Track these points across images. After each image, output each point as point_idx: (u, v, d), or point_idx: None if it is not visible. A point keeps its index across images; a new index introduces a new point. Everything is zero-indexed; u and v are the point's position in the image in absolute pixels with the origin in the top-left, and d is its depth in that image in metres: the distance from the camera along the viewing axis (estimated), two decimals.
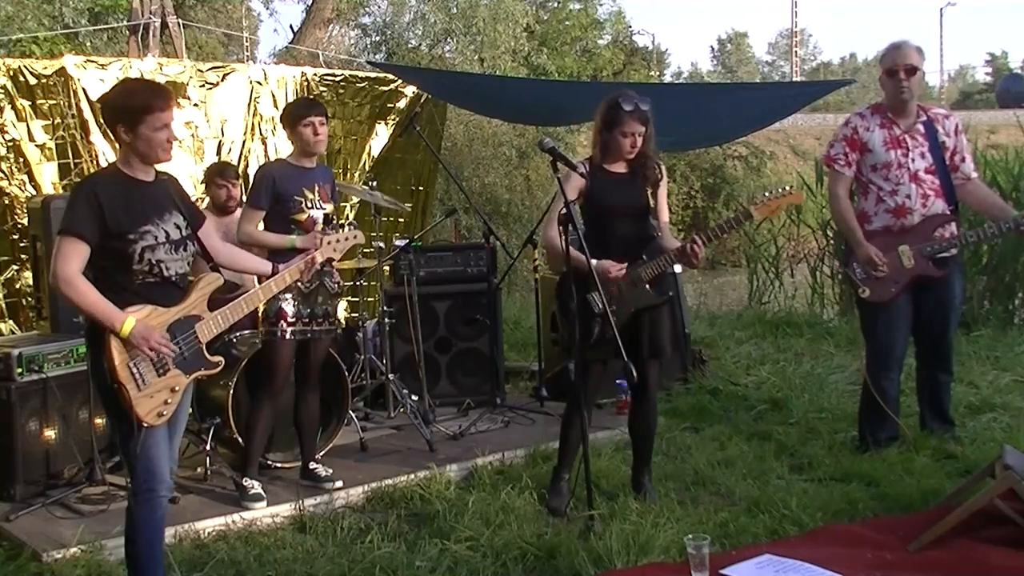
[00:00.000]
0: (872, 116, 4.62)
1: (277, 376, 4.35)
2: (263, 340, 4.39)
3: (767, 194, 4.11)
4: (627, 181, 4.03)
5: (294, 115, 4.38)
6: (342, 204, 7.12)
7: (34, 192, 5.88)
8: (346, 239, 3.87)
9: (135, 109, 3.04)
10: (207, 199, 5.44)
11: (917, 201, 4.49)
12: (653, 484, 4.25)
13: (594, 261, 3.85)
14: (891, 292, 4.52)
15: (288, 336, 4.29)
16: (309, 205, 4.34)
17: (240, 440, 4.49)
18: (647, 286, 4.02)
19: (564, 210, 3.78)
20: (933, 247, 4.49)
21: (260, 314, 4.28)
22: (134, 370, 3.01)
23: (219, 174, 5.32)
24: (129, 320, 2.98)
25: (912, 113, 4.58)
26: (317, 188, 4.39)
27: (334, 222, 4.44)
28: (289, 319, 4.27)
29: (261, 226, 4.36)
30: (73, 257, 2.97)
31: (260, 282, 3.63)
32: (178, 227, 3.17)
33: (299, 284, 4.09)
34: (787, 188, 4.16)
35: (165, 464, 3.15)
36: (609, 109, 4.02)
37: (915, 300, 4.58)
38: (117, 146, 3.28)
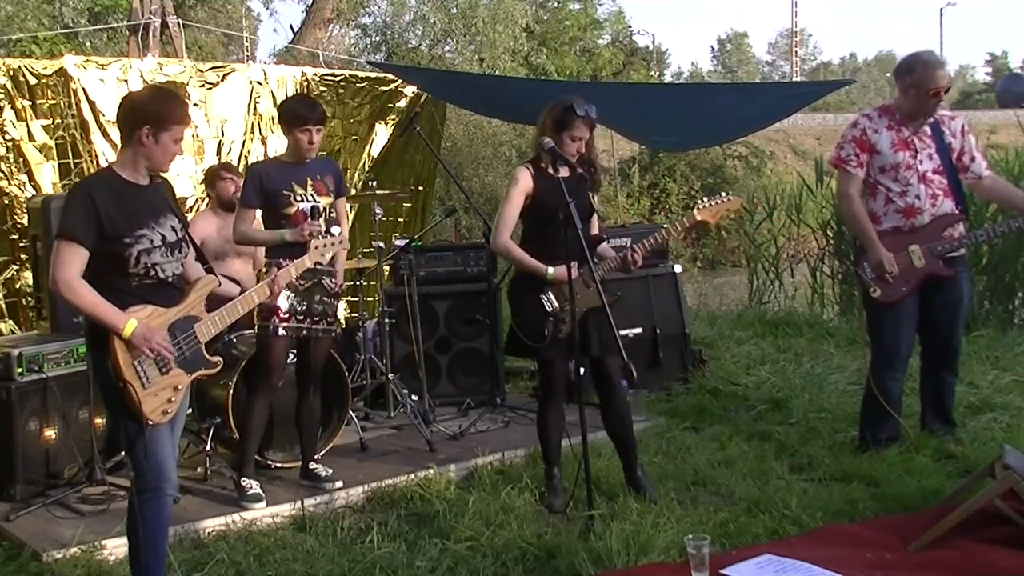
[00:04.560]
0: (880, 118, 4.62)
1: (272, 372, 4.34)
2: (257, 336, 4.39)
3: (709, 201, 4.26)
4: (572, 184, 4.04)
5: (294, 116, 4.33)
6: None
7: (34, 192, 5.88)
8: (331, 244, 3.96)
9: (166, 116, 3.07)
10: (207, 199, 5.45)
11: (927, 202, 4.50)
12: (653, 484, 4.24)
13: (552, 269, 3.99)
14: (902, 292, 4.52)
15: (281, 332, 4.28)
16: (298, 199, 4.30)
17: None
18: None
19: (563, 214, 3.80)
20: (943, 246, 4.50)
21: (254, 311, 4.26)
22: (138, 369, 3.03)
23: (224, 168, 5.37)
24: (131, 322, 2.99)
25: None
26: (310, 181, 4.35)
27: (328, 214, 4.38)
28: (282, 315, 4.26)
29: (260, 225, 4.37)
30: (72, 261, 2.97)
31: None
32: (174, 229, 3.19)
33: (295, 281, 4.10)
34: (728, 195, 4.33)
35: (171, 463, 3.17)
36: (561, 112, 4.07)
37: (923, 300, 4.58)
38: (119, 146, 3.26)
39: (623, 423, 4.23)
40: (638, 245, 4.13)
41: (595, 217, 4.31)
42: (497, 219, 4.18)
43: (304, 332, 4.36)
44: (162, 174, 3.30)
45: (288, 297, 4.24)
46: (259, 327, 4.33)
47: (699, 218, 4.21)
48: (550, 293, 4.06)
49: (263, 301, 3.66)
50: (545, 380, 4.25)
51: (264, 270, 4.36)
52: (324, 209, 4.38)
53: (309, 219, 4.27)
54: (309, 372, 4.49)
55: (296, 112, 4.35)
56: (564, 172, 3.97)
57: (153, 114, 3.07)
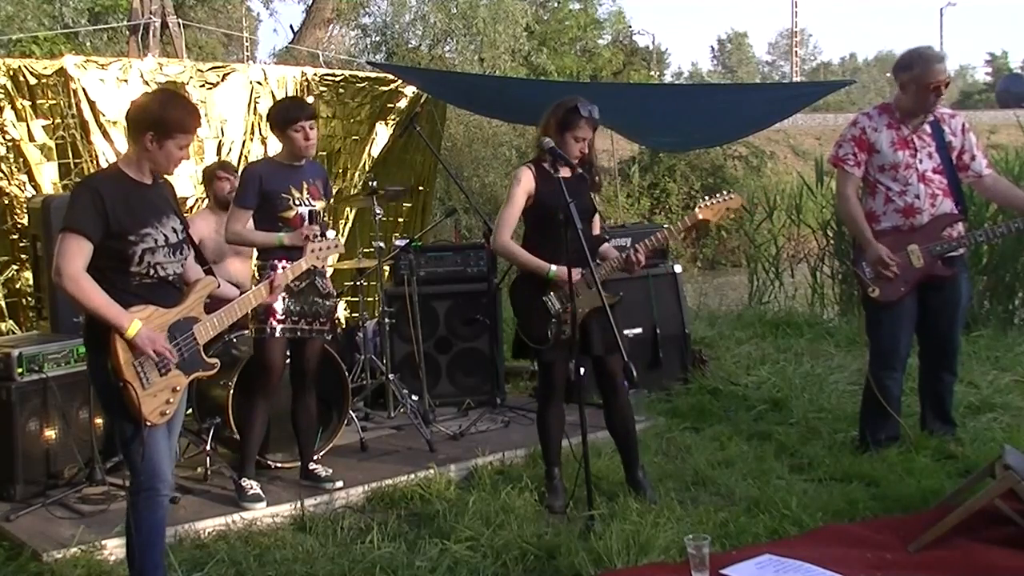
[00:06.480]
0: (879, 116, 4.62)
1: (271, 375, 4.34)
2: (253, 339, 4.38)
3: (711, 200, 4.25)
4: (574, 184, 4.03)
5: (284, 118, 4.32)
6: (342, 205, 7.12)
7: (34, 192, 5.88)
8: (327, 248, 3.97)
9: (171, 123, 3.07)
10: (207, 198, 5.44)
11: (926, 201, 4.50)
12: (653, 484, 4.24)
13: (554, 267, 3.99)
14: (900, 291, 4.52)
15: (278, 334, 4.28)
16: (296, 202, 4.31)
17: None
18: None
19: (563, 215, 3.79)
20: (942, 246, 4.49)
21: (250, 313, 4.25)
22: (138, 369, 3.03)
23: (220, 168, 5.39)
24: (135, 323, 2.99)
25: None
26: (306, 185, 4.36)
27: (323, 219, 4.40)
28: (278, 316, 4.26)
29: (250, 225, 4.35)
30: (77, 254, 2.97)
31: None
32: (175, 230, 3.19)
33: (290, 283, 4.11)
34: (729, 195, 4.31)
35: (167, 463, 3.17)
36: (566, 112, 4.07)
37: (921, 300, 4.58)
38: (116, 147, 3.27)
39: (625, 423, 4.23)
40: (640, 245, 4.13)
41: (597, 217, 4.31)
42: (498, 219, 4.18)
43: (299, 333, 4.36)
44: (165, 176, 3.31)
45: (283, 299, 4.24)
46: (256, 330, 4.32)
47: (701, 217, 4.21)
48: (552, 295, 4.06)
49: (261, 303, 3.66)
50: (546, 381, 4.26)
51: (256, 272, 4.36)
52: (319, 213, 4.39)
53: (307, 223, 4.28)
54: (303, 373, 4.49)
55: (286, 113, 4.35)
56: (565, 172, 3.97)
57: (159, 122, 3.07)
